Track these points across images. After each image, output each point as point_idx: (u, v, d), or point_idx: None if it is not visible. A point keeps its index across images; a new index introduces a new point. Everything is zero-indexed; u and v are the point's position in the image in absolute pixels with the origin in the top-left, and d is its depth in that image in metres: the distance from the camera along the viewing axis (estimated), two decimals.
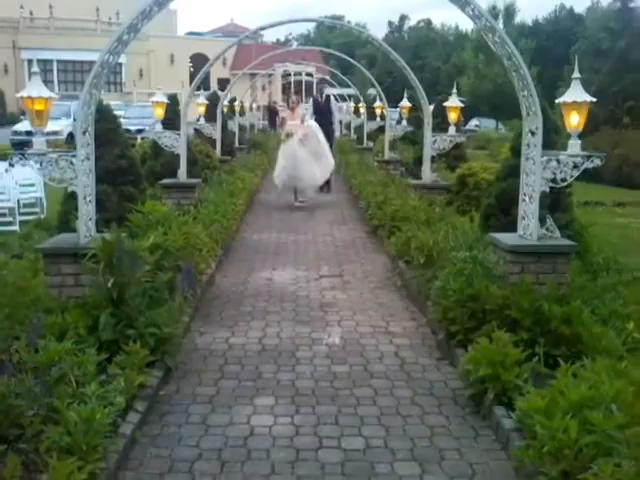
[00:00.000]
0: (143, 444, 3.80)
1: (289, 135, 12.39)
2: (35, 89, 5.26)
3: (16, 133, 23.75)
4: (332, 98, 16.65)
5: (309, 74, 46.24)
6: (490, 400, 4.07)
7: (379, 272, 7.85)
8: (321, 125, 14.10)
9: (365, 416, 4.18)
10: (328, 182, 14.06)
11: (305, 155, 12.17)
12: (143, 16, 5.23)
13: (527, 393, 3.74)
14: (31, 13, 48.98)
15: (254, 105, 30.11)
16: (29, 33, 48.50)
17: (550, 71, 50.10)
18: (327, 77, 28.77)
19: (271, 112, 34.67)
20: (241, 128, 21.05)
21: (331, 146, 14.76)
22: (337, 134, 16.39)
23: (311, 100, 17.23)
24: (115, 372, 4.10)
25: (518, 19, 60.56)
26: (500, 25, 6.48)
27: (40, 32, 48.50)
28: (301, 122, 12.61)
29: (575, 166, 5.35)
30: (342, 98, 30.42)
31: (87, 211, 5.27)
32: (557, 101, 5.60)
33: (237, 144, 18.87)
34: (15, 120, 30.35)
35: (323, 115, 15.37)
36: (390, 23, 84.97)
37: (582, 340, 4.50)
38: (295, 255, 8.78)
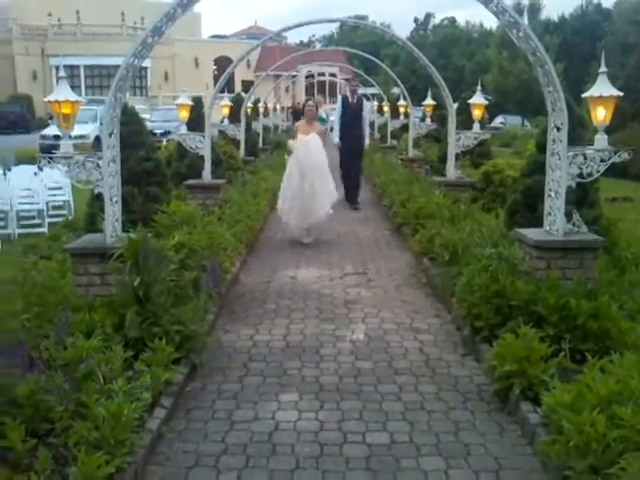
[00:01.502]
0: (169, 439, 3.84)
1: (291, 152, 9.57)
2: (62, 93, 5.36)
3: (44, 137, 24.09)
4: (365, 100, 13.39)
5: (333, 75, 46.29)
6: (516, 395, 4.03)
7: (403, 269, 7.84)
8: (349, 130, 12.33)
9: (390, 411, 4.18)
10: (355, 194, 12.47)
11: (310, 181, 9.25)
12: (167, 18, 5.29)
13: (553, 388, 3.70)
14: (59, 20, 49.79)
15: (278, 106, 30.24)
16: (57, 40, 49.28)
17: (577, 67, 49.50)
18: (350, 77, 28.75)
19: (295, 113, 34.81)
20: (265, 129, 21.17)
21: (360, 157, 12.79)
22: (367, 141, 12.94)
23: (339, 98, 13.74)
24: (141, 369, 4.15)
25: (544, 15, 59.90)
26: (525, 21, 6.42)
27: (67, 39, 49.26)
28: (320, 137, 9.61)
29: (602, 160, 5.30)
30: (366, 97, 30.43)
31: (113, 212, 5.34)
32: (583, 95, 5.54)
33: (261, 145, 18.99)
34: (44, 125, 30.83)
35: (352, 118, 12.48)
36: (416, 19, 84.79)
37: (610, 335, 4.46)
38: (319, 254, 8.79)
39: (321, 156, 9.47)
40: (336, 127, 12.67)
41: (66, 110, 5.38)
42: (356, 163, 12.64)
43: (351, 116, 12.49)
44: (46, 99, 5.52)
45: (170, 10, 5.27)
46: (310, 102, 10.14)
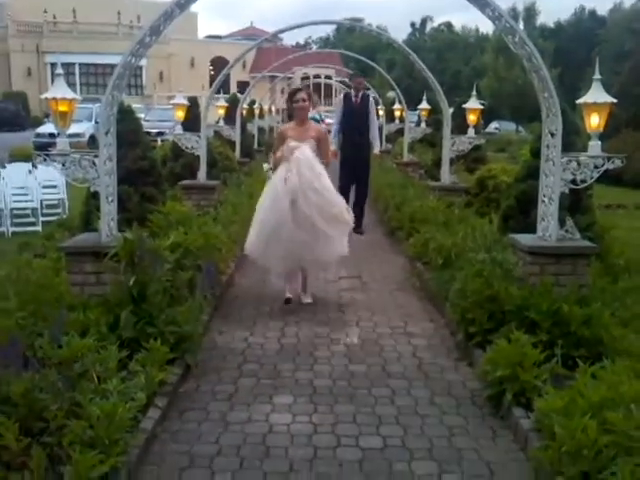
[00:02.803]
0: (163, 439, 3.85)
1: (275, 168, 6.45)
2: (59, 90, 5.36)
3: (39, 135, 24.08)
4: (372, 99, 10.79)
5: (328, 77, 46.29)
6: (509, 401, 4.06)
7: (397, 273, 7.86)
8: (353, 138, 10.11)
9: (383, 415, 4.19)
10: (359, 219, 9.43)
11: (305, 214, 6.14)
12: (165, 17, 5.28)
13: (546, 394, 3.73)
14: (54, 17, 49.66)
15: (273, 108, 30.23)
16: (52, 37, 49.19)
17: (572, 73, 49.80)
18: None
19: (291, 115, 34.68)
20: (260, 130, 21.19)
21: (366, 171, 10.34)
22: (376, 151, 10.66)
23: (340, 97, 11.29)
24: (136, 369, 4.15)
25: (540, 21, 60.29)
26: (521, 26, 6.47)
27: (63, 36, 49.18)
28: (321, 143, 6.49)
29: (595, 167, 5.33)
30: None
31: (109, 210, 5.33)
32: (578, 102, 5.58)
33: (256, 146, 19.00)
34: (39, 123, 30.76)
35: (357, 122, 10.15)
36: (413, 24, 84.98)
37: (602, 342, 4.49)
38: None
39: (322, 178, 6.30)
40: (334, 133, 10.43)
41: (63, 108, 5.38)
42: (361, 179, 10.17)
43: (355, 119, 10.15)
44: (43, 96, 5.52)
45: (168, 9, 5.26)
46: (301, 93, 6.60)
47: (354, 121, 10.21)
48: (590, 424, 3.21)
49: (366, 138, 10.22)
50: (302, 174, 6.13)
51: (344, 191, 9.40)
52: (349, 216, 6.50)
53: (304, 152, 6.24)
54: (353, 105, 10.33)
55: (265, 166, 6.53)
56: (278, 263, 6.29)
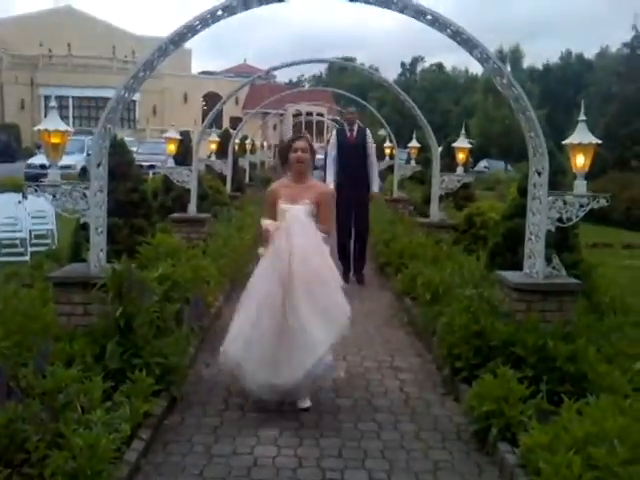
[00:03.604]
0: (147, 472, 3.80)
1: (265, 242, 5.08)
2: (52, 123, 5.41)
3: (30, 166, 24.17)
4: (369, 133, 9.59)
5: (320, 114, 46.88)
6: (494, 436, 4.05)
7: (386, 308, 7.87)
8: (349, 175, 8.91)
9: (369, 449, 4.17)
10: (360, 263, 9.17)
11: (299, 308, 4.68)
12: (159, 53, 5.38)
13: (531, 429, 3.74)
14: (50, 51, 50.20)
15: (265, 143, 30.56)
16: (47, 70, 49.66)
17: (559, 114, 50.66)
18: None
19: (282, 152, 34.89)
20: (251, 165, 21.38)
21: (365, 210, 9.23)
22: (375, 189, 9.29)
23: (333, 133, 10.26)
24: (121, 400, 4.11)
25: (527, 63, 61.57)
26: (508, 69, 6.58)
27: (58, 69, 49.67)
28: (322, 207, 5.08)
29: (581, 206, 5.41)
30: None
31: (98, 242, 5.35)
32: (564, 142, 5.70)
33: (247, 181, 19.15)
34: (30, 154, 30.86)
35: (353, 158, 8.99)
36: (403, 64, 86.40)
37: (587, 378, 4.50)
38: None
39: (324, 263, 4.89)
40: (330, 172, 9.09)
41: (55, 140, 5.43)
42: (360, 219, 9.13)
43: (351, 155, 9.00)
44: (36, 128, 5.57)
45: (162, 45, 5.36)
46: (301, 141, 5.30)
47: (351, 157, 9.00)
48: (575, 460, 3.22)
49: (365, 176, 9.05)
50: (293, 251, 4.72)
51: (343, 229, 8.73)
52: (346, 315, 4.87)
53: (296, 216, 4.89)
54: (349, 140, 9.15)
55: (260, 251, 5.23)
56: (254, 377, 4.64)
